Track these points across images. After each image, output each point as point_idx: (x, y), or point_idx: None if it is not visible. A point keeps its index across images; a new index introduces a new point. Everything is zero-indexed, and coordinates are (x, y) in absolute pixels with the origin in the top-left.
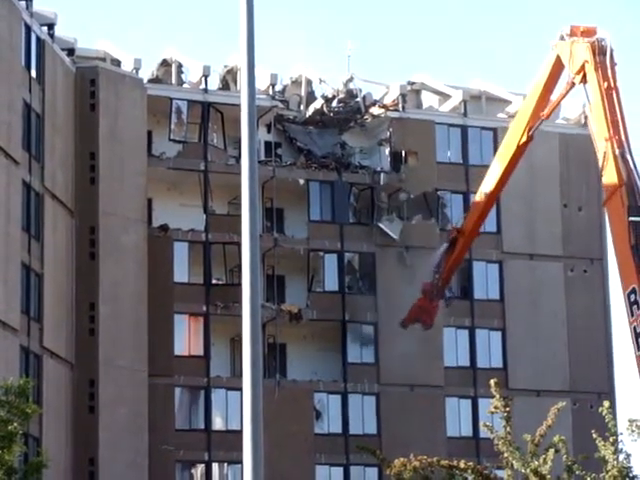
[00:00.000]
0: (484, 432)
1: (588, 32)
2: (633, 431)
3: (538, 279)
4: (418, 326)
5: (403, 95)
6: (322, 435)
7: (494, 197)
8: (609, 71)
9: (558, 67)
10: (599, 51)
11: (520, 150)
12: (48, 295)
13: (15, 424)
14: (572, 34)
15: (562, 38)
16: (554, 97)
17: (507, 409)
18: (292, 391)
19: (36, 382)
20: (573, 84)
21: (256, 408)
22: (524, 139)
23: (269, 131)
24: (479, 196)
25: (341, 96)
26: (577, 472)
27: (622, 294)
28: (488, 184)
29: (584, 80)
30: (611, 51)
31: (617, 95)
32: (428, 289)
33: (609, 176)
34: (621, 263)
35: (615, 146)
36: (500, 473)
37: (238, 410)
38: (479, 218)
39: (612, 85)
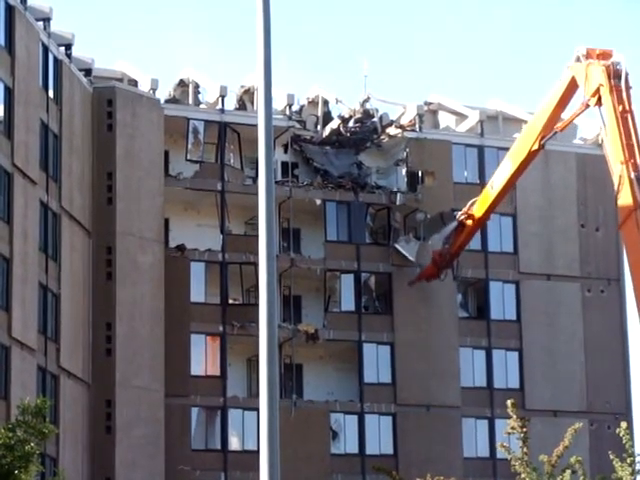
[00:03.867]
0: (501, 453)
1: (604, 55)
2: None
3: (555, 299)
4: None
5: (420, 115)
6: (338, 455)
7: (504, 193)
8: (624, 94)
9: (572, 87)
10: (614, 75)
11: (531, 156)
12: (65, 315)
13: (32, 444)
14: (588, 56)
15: (578, 59)
16: (568, 114)
17: (524, 430)
18: (308, 411)
19: (53, 402)
20: (587, 105)
21: (273, 428)
22: (535, 147)
23: (286, 151)
24: (489, 188)
25: (358, 116)
26: None
27: (638, 318)
28: (498, 180)
29: (599, 103)
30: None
31: (632, 118)
32: (437, 258)
33: (624, 199)
34: (637, 287)
35: (630, 169)
36: None
37: (255, 430)
38: (489, 209)
39: (627, 108)
